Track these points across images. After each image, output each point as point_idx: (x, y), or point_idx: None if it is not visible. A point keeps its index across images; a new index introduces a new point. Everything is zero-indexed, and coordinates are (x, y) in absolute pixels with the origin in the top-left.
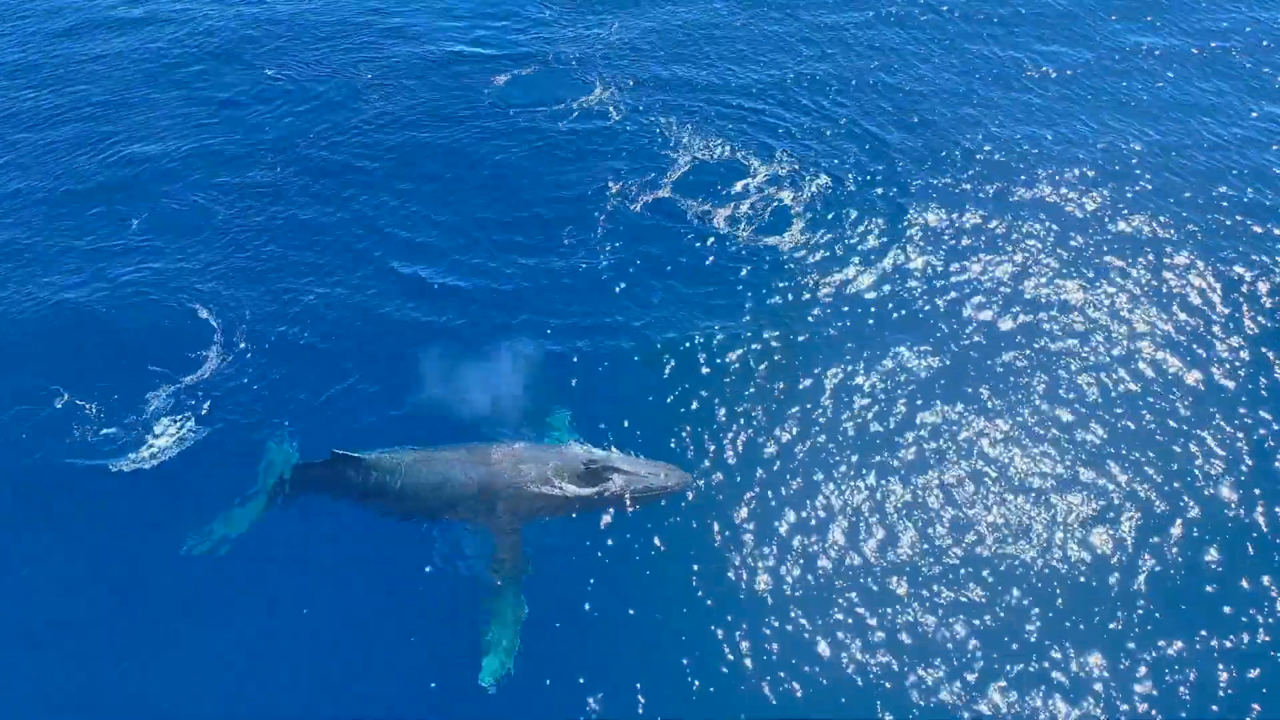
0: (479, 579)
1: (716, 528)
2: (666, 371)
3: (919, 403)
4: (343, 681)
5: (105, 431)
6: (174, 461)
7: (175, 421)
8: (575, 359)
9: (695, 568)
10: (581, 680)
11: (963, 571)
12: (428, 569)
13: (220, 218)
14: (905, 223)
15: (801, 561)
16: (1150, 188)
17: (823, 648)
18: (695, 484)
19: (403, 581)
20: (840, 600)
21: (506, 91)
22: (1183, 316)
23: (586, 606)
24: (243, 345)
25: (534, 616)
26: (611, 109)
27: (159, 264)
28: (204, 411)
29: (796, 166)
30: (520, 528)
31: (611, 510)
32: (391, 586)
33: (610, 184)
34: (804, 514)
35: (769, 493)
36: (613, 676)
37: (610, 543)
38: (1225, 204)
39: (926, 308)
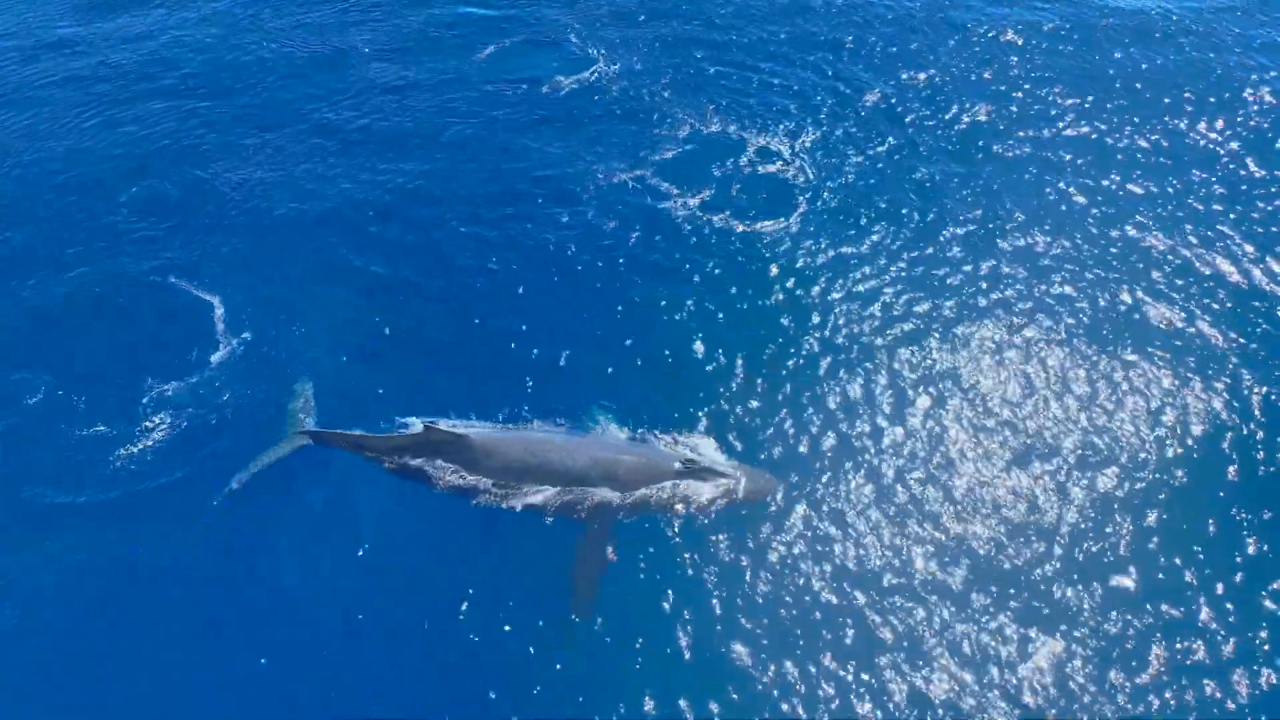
0: (563, 568)
1: (767, 529)
2: (668, 364)
3: (934, 394)
4: (420, 663)
5: (99, 428)
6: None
7: (171, 412)
8: (578, 352)
9: (761, 566)
10: (650, 674)
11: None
12: (508, 555)
13: (214, 194)
14: (916, 207)
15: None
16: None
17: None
18: (780, 490)
19: (482, 567)
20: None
21: (498, 63)
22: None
23: (662, 603)
24: (247, 329)
25: (610, 609)
26: (609, 84)
27: (152, 244)
28: (207, 397)
29: (801, 146)
30: (611, 521)
31: (697, 508)
32: (472, 572)
33: (604, 165)
34: (842, 514)
35: (810, 487)
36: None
37: (687, 538)
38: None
39: (942, 301)
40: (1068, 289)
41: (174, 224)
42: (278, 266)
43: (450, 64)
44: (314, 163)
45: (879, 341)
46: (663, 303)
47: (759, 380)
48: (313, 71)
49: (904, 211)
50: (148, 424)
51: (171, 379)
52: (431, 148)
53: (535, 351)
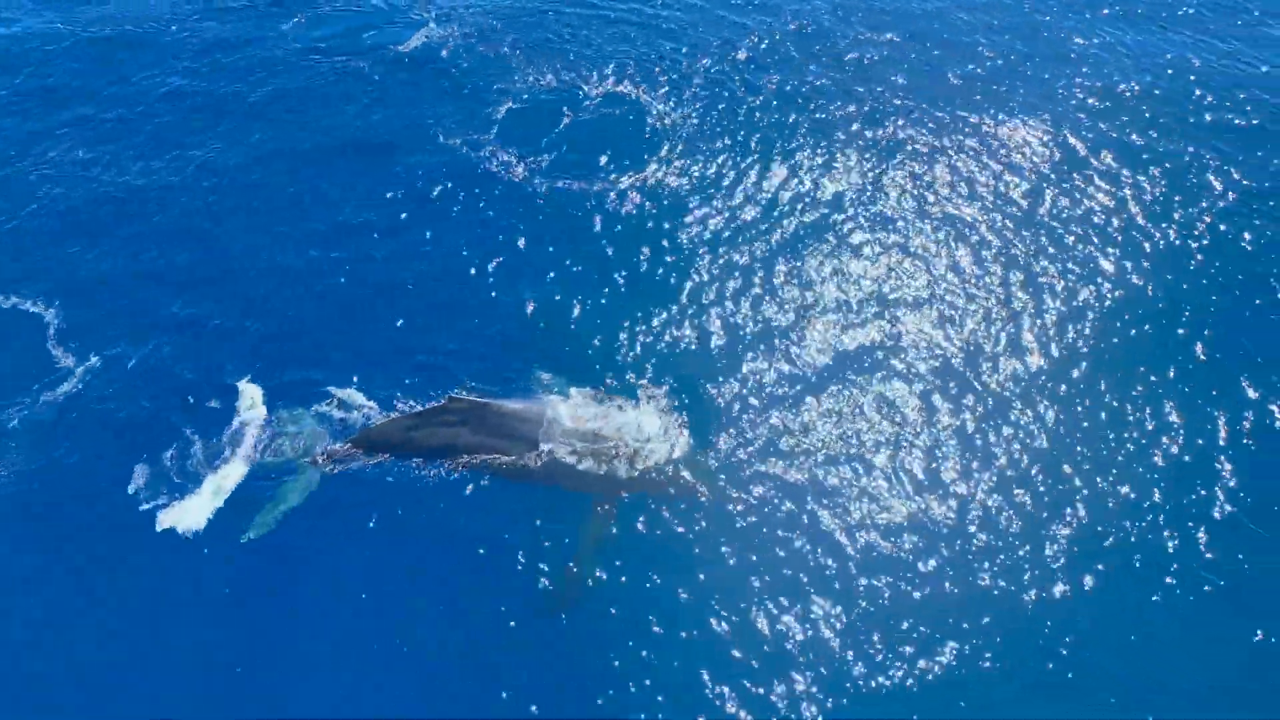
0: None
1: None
2: (538, 334)
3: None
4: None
5: None
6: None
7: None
8: (441, 329)
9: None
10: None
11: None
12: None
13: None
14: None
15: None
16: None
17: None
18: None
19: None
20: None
21: (313, 31)
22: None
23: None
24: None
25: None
26: (442, 44)
27: None
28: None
29: (649, 92)
30: (621, 496)
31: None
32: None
33: (442, 134)
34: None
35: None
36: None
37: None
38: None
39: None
40: (935, 208)
41: None
42: (99, 265)
43: (257, 34)
44: (117, 144)
45: (750, 286)
46: (515, 273)
47: (645, 339)
48: (101, 56)
49: (758, 151)
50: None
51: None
52: (244, 128)
53: (398, 327)
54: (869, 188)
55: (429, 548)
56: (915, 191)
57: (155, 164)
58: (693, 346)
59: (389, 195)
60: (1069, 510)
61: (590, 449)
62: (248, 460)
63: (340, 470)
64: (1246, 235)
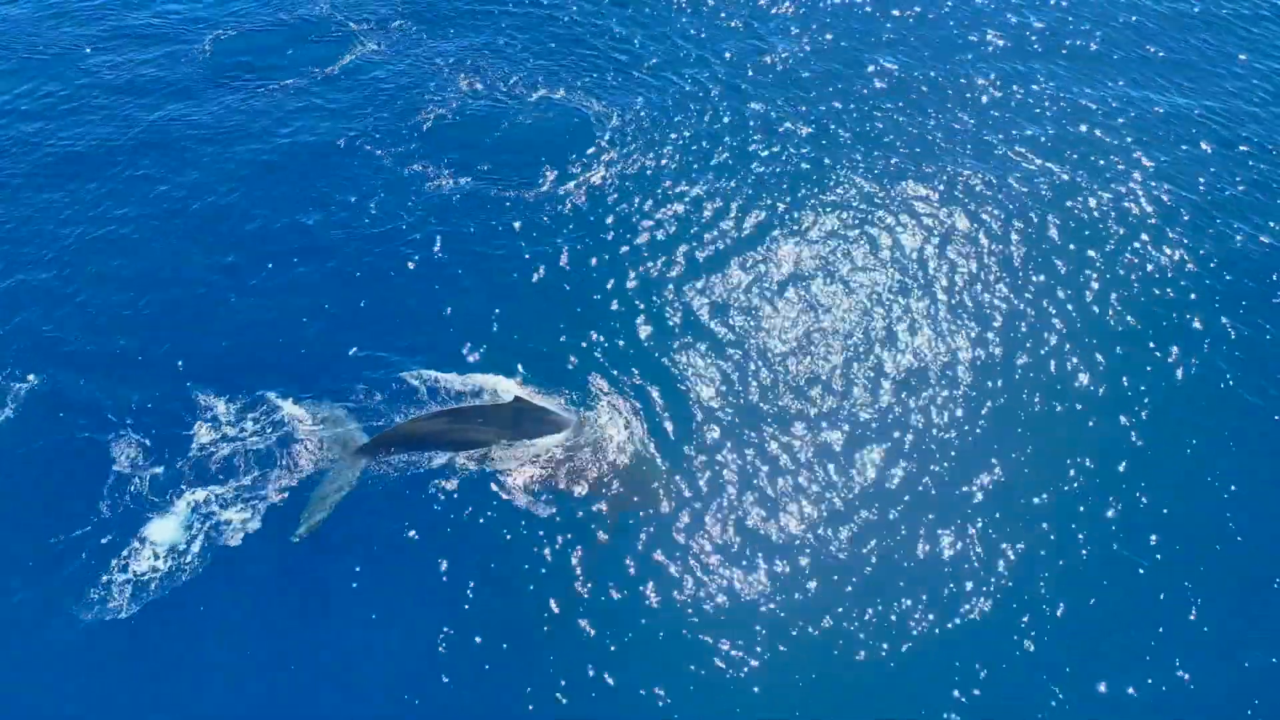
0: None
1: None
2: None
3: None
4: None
5: None
6: None
7: None
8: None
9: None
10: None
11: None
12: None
13: None
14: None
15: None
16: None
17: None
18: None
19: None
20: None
21: (230, 53)
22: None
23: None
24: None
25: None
26: (373, 59)
27: None
28: None
29: (581, 98)
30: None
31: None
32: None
33: (378, 151)
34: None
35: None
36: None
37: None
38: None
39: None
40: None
41: None
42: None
43: (179, 43)
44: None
45: (688, 290)
46: (452, 281)
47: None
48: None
49: (702, 156)
50: None
51: None
52: (178, 162)
53: (351, 348)
54: (811, 190)
55: (447, 553)
56: (860, 201)
57: (78, 179)
58: (642, 351)
59: (315, 208)
60: (1045, 535)
61: (594, 452)
62: (286, 461)
63: (381, 463)
64: None
